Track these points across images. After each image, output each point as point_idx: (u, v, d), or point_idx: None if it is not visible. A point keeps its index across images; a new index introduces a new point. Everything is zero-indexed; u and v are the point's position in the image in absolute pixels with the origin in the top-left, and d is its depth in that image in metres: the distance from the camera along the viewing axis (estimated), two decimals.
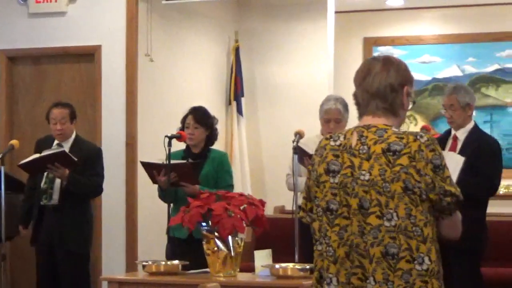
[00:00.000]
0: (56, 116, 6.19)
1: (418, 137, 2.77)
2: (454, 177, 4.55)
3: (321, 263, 2.86)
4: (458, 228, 2.86)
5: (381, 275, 2.72)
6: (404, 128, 2.96)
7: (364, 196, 2.76)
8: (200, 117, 5.84)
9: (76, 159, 5.98)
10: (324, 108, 5.91)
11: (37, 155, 6.00)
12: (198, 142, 5.84)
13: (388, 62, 2.91)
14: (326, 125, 5.88)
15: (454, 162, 4.63)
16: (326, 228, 2.83)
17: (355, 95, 2.94)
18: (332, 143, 2.87)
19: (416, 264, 2.72)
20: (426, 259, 2.73)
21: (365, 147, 2.80)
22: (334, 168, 2.83)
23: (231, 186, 5.85)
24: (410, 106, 2.95)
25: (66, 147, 6.17)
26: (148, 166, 5.73)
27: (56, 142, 6.25)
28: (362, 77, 2.91)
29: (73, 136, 6.27)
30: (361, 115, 2.92)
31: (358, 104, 2.93)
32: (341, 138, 2.86)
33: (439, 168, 2.75)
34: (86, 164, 6.12)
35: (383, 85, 2.86)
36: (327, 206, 2.83)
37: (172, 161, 5.62)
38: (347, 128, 2.93)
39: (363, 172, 2.77)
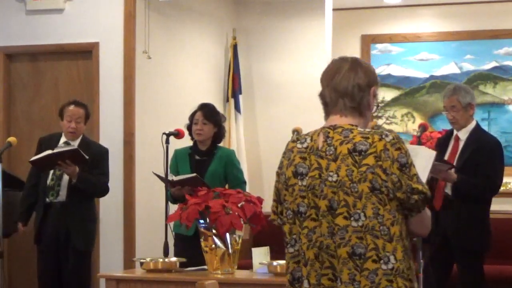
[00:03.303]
0: (73, 114, 6.17)
1: (383, 136, 2.79)
2: (426, 172, 4.52)
3: (293, 265, 2.87)
4: (426, 225, 2.89)
5: (347, 276, 2.74)
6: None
7: (333, 197, 2.77)
8: (209, 113, 5.88)
9: (87, 157, 5.97)
10: None
11: (49, 151, 5.95)
12: (206, 138, 5.87)
13: (357, 63, 2.96)
14: None
15: (426, 157, 4.60)
16: (299, 230, 2.84)
17: (322, 95, 2.97)
18: (299, 145, 2.90)
19: (382, 263, 2.74)
20: (392, 258, 2.75)
21: (332, 148, 2.82)
22: (302, 171, 2.85)
23: (244, 183, 5.89)
24: (374, 109, 3.00)
25: (74, 146, 6.14)
26: (159, 178, 5.74)
27: (63, 140, 6.22)
28: (330, 76, 2.95)
29: (81, 136, 6.26)
30: (327, 115, 2.94)
31: (325, 103, 2.96)
32: (308, 140, 2.88)
33: (405, 166, 2.77)
34: (94, 163, 6.11)
35: (352, 84, 2.90)
36: (298, 209, 2.85)
37: (180, 177, 5.63)
38: (313, 129, 2.92)
39: (331, 173, 2.79)
